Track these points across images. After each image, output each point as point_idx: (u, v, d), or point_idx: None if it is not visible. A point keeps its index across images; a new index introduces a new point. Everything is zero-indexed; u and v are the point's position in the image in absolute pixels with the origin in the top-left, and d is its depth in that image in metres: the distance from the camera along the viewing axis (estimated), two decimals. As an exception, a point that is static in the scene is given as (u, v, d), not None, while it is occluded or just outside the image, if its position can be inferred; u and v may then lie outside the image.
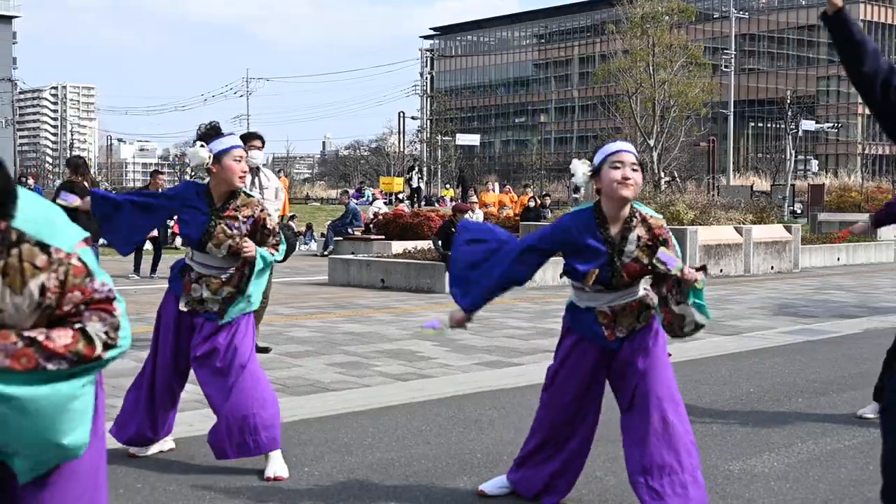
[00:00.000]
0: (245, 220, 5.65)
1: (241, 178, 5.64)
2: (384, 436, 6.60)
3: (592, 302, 4.81)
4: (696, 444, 4.92)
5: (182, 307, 5.76)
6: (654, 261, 4.60)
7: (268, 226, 5.70)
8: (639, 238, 4.70)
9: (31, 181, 30.50)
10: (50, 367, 2.60)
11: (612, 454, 5.92)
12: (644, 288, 4.87)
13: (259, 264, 5.59)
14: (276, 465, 5.59)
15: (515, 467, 5.18)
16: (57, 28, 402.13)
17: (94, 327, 2.69)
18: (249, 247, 5.54)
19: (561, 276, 5.02)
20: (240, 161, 5.61)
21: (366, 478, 5.61)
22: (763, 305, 14.49)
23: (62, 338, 2.62)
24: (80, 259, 2.74)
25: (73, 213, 12.98)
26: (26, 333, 2.60)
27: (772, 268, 20.84)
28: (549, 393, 5.03)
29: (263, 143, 9.67)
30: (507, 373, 8.97)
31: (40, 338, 2.60)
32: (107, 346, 2.71)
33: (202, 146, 5.59)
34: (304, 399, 7.74)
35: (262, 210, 5.73)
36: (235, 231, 5.61)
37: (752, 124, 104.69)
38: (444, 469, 5.81)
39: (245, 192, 5.77)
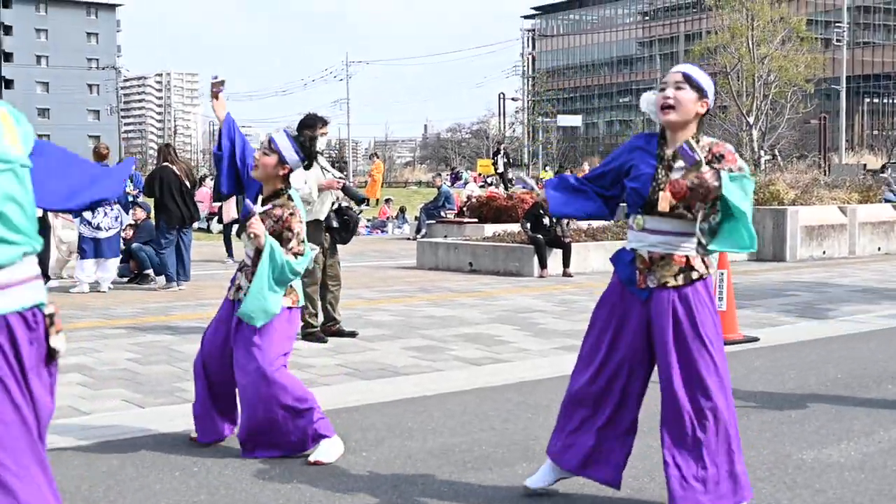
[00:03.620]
0: (275, 219, 5.70)
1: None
2: (449, 420, 6.56)
3: (637, 243, 4.63)
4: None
5: (230, 296, 5.87)
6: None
7: (292, 228, 5.67)
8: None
9: (132, 166, 30.91)
10: None
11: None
12: (697, 250, 4.57)
13: (266, 255, 5.50)
14: (320, 450, 5.62)
15: (553, 440, 4.98)
16: (159, 16, 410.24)
17: None
18: (257, 228, 5.50)
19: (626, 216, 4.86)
20: (257, 150, 5.83)
21: (423, 463, 5.58)
22: (864, 288, 14.08)
23: None
24: None
25: (161, 201, 13.12)
26: None
27: (879, 249, 20.25)
28: (583, 351, 4.85)
29: (325, 124, 9.66)
30: (585, 357, 8.84)
31: None
32: None
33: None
34: (373, 383, 7.75)
35: (291, 214, 5.70)
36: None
37: (868, 100, 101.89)
38: (505, 455, 5.75)
39: (288, 194, 5.80)
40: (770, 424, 6.43)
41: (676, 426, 4.60)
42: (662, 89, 4.53)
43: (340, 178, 9.87)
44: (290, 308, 5.70)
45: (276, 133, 5.81)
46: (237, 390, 5.79)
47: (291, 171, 5.80)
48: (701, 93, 4.53)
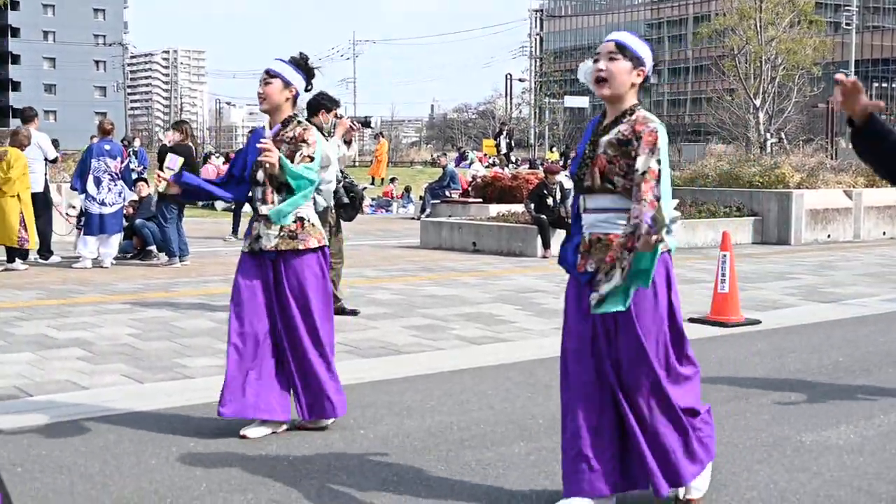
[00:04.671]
0: (289, 140, 5.63)
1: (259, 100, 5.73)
2: (448, 399, 6.55)
3: (585, 227, 4.38)
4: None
5: (244, 249, 5.73)
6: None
7: (307, 140, 5.60)
8: (618, 132, 4.27)
9: (136, 142, 31.23)
10: None
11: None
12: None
13: (292, 180, 5.46)
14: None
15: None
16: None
17: None
18: (270, 151, 5.34)
19: None
20: (259, 84, 5.70)
21: (421, 441, 5.57)
22: (868, 272, 14.03)
23: None
24: None
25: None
26: None
27: (884, 233, 20.18)
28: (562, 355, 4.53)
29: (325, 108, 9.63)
30: (586, 338, 8.82)
31: None
32: None
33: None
34: (374, 361, 7.74)
35: (304, 129, 5.65)
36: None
37: (877, 84, 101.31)
38: (503, 434, 5.74)
39: (298, 120, 5.74)
40: (769, 407, 6.41)
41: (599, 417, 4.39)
42: (596, 60, 4.29)
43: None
44: (317, 249, 5.69)
45: (271, 62, 5.71)
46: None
47: (298, 93, 5.73)
48: (636, 62, 4.30)
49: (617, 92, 4.29)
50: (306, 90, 5.84)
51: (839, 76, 3.60)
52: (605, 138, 4.30)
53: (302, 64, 5.75)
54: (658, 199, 4.06)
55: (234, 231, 18.97)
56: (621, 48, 4.28)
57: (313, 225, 5.69)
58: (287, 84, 5.66)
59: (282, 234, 5.60)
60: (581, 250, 4.36)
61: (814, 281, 12.93)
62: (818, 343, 8.78)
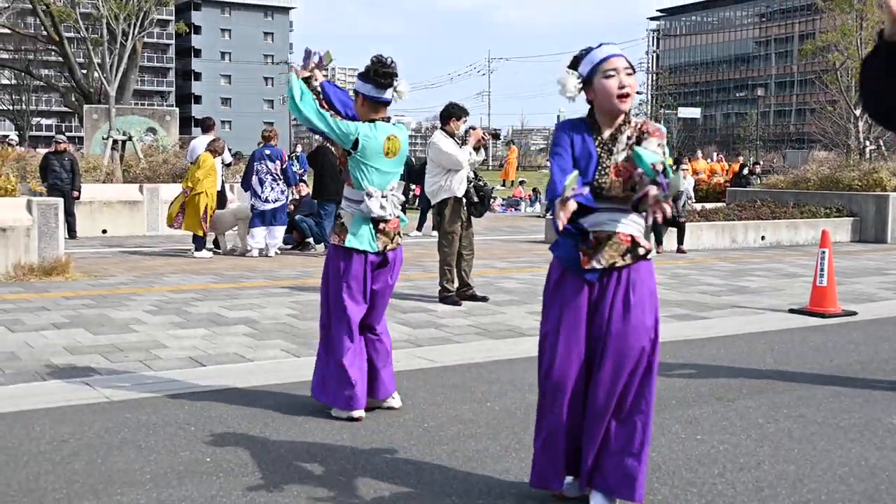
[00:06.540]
0: None
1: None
2: (566, 377, 6.50)
3: (588, 226, 3.92)
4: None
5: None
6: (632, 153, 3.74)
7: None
8: (628, 137, 3.89)
9: (298, 148, 32.00)
10: None
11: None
12: (639, 230, 3.91)
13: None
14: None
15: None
16: (326, 18, 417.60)
17: None
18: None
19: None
20: None
21: (541, 414, 5.54)
22: (961, 269, 13.42)
23: None
24: None
25: (322, 176, 13.30)
26: None
27: (977, 234, 19.27)
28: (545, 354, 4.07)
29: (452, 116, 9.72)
30: (693, 325, 8.68)
31: None
32: None
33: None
34: (500, 342, 7.74)
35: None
36: None
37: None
38: (614, 409, 5.67)
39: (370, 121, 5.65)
40: (863, 391, 6.19)
41: (600, 416, 3.98)
42: (610, 76, 3.83)
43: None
44: (336, 247, 5.46)
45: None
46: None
47: (370, 97, 5.57)
48: None
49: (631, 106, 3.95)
50: (380, 89, 5.59)
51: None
52: (619, 146, 3.90)
53: (364, 72, 5.63)
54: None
55: (420, 227, 18.98)
56: (631, 64, 3.92)
57: (342, 225, 5.46)
58: (356, 93, 5.64)
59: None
60: (584, 248, 3.91)
61: None
62: (911, 334, 8.44)
